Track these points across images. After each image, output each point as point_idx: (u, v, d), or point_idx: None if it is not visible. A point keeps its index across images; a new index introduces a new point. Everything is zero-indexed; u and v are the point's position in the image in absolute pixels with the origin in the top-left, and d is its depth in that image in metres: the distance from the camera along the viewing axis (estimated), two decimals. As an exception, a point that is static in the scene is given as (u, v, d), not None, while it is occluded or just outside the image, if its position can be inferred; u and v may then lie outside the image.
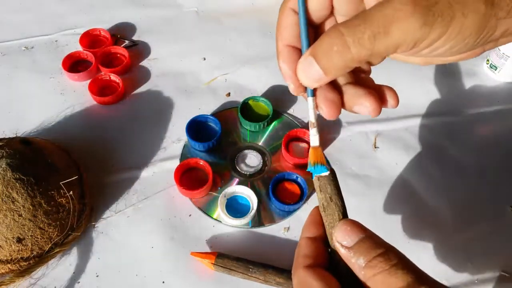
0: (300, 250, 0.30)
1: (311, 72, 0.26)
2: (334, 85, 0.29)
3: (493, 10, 0.24)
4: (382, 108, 0.29)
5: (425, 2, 0.23)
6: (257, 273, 0.44)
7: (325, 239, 0.30)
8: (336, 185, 0.30)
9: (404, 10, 0.23)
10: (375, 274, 0.25)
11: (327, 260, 0.29)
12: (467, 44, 0.25)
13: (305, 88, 0.29)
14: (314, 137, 0.30)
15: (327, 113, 0.29)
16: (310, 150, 0.30)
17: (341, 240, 0.27)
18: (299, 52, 0.29)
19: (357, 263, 0.26)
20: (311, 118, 0.30)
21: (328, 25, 0.30)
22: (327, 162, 0.31)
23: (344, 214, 0.29)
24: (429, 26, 0.23)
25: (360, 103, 0.28)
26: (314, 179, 0.30)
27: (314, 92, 0.29)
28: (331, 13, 0.30)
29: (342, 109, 0.29)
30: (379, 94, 0.29)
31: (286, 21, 0.30)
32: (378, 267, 0.25)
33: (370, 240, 0.27)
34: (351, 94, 0.29)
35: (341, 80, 0.30)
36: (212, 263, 0.45)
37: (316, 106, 0.29)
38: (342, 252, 0.27)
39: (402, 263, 0.25)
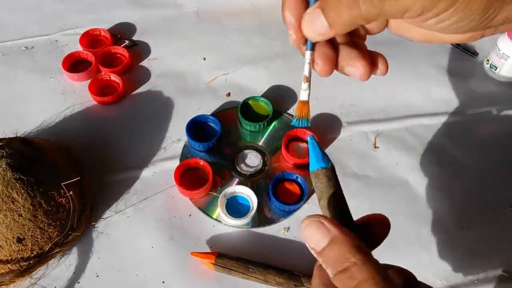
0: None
1: (317, 24, 0.26)
2: (331, 43, 0.29)
3: None
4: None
5: None
6: (257, 273, 0.44)
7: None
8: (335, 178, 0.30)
9: None
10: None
11: None
12: (473, 21, 0.25)
13: (305, 41, 0.29)
14: (304, 92, 0.30)
15: (322, 69, 0.29)
16: (298, 103, 0.31)
17: (309, 243, 0.25)
18: (305, 2, 0.28)
19: (327, 271, 0.24)
20: (305, 72, 0.30)
21: None
22: (328, 159, 0.30)
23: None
24: None
25: (352, 64, 0.29)
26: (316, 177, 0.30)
27: (313, 47, 0.29)
28: None
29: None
30: (371, 59, 0.29)
31: None
32: (342, 283, 0.24)
33: (336, 246, 0.24)
34: (346, 54, 0.29)
35: (338, 39, 0.30)
36: (212, 263, 0.45)
37: (312, 62, 0.29)
38: (315, 256, 0.25)
39: (363, 285, 0.23)
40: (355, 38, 0.30)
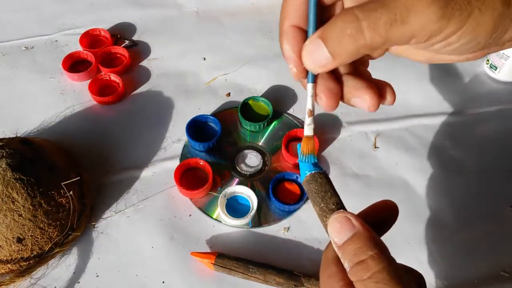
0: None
1: (318, 55, 0.25)
2: (334, 75, 0.28)
3: (509, 10, 0.24)
4: (383, 110, 0.29)
5: None
6: (257, 273, 0.44)
7: None
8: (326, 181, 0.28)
9: (423, 1, 0.22)
10: (355, 281, 0.25)
11: None
12: (479, 43, 0.24)
13: (306, 73, 0.27)
14: (309, 127, 0.29)
15: (326, 104, 0.28)
16: (303, 139, 0.29)
17: (333, 237, 0.26)
18: (303, 33, 0.27)
19: (345, 265, 0.26)
20: (309, 106, 0.28)
21: (337, 9, 0.29)
22: (319, 166, 0.29)
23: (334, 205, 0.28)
24: (447, 20, 0.23)
25: (359, 95, 0.28)
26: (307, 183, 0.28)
27: (315, 79, 0.27)
28: None
29: (340, 108, 0.29)
30: (377, 88, 0.28)
31: (293, 0, 0.28)
32: (357, 275, 0.25)
33: (357, 241, 0.25)
34: (351, 85, 0.28)
35: (341, 69, 0.29)
36: (212, 263, 0.45)
37: (315, 95, 0.28)
38: (336, 250, 0.26)
39: (376, 276, 0.24)
40: (358, 66, 0.29)
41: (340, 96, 0.28)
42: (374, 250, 0.25)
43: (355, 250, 0.25)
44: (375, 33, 0.23)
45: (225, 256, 0.45)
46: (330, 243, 0.28)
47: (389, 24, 0.23)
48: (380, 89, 0.28)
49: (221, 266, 0.44)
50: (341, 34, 0.24)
